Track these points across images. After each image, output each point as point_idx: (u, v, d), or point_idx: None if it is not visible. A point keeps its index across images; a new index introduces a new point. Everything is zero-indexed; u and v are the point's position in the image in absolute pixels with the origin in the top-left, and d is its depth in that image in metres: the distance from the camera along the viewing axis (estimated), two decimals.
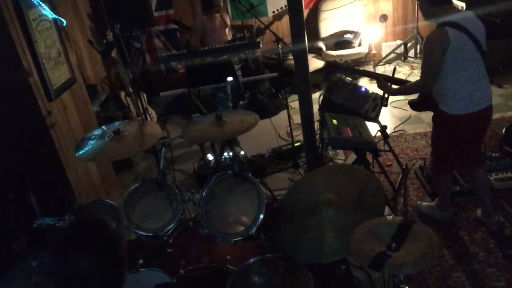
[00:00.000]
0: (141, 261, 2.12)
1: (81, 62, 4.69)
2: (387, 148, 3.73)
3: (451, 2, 2.56)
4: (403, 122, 4.66)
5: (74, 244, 1.21)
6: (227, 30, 5.00)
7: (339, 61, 3.52)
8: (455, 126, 2.66)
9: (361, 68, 6.05)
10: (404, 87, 3.00)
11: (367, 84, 5.32)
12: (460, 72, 2.51)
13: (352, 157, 3.52)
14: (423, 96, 2.87)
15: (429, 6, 2.53)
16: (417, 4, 2.68)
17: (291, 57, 5.27)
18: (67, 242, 1.22)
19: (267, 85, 5.70)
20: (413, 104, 3.13)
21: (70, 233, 1.26)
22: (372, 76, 3.31)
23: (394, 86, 3.04)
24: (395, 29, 6.42)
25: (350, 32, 6.04)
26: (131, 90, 3.90)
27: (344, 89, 3.37)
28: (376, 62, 6.15)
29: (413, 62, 6.32)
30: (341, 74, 3.45)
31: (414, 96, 3.04)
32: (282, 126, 4.80)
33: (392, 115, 4.84)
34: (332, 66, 3.48)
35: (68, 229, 1.34)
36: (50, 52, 3.14)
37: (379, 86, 3.03)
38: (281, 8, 5.06)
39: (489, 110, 2.66)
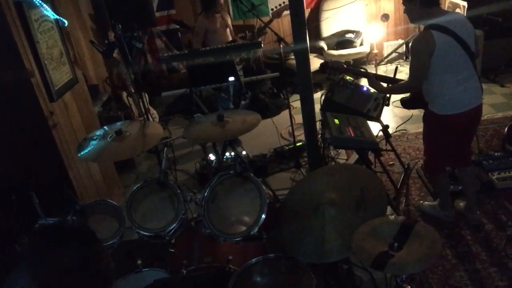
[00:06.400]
0: (139, 261, 2.12)
1: (83, 63, 4.70)
2: (389, 147, 3.73)
3: (440, 4, 2.59)
4: (405, 122, 4.65)
5: (57, 241, 1.19)
6: (228, 30, 5.00)
7: (329, 61, 3.54)
8: (444, 126, 2.70)
9: (363, 68, 6.05)
10: (394, 86, 3.05)
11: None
12: (447, 74, 2.55)
13: (354, 156, 3.53)
14: (415, 95, 2.91)
15: (420, 8, 2.54)
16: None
17: (292, 57, 5.27)
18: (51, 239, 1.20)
19: (268, 85, 5.70)
20: (405, 102, 3.15)
21: (56, 231, 1.24)
22: (363, 74, 3.32)
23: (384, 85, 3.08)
24: (397, 29, 6.41)
25: (352, 32, 6.03)
26: (133, 91, 3.91)
27: (346, 88, 3.37)
28: (377, 62, 6.15)
29: None
30: (333, 74, 3.46)
31: (407, 94, 3.10)
32: (283, 126, 4.79)
33: (394, 115, 4.84)
34: (323, 67, 3.49)
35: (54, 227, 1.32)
36: (52, 52, 3.15)
37: (370, 84, 3.06)
38: (279, 5, 5.05)
39: (478, 110, 2.69)
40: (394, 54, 6.45)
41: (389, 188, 3.43)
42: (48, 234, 1.22)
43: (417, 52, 2.57)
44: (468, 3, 4.95)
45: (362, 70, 3.65)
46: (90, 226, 2.17)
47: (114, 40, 3.67)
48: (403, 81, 2.97)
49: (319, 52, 6.02)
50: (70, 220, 2.16)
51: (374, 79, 3.03)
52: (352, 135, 2.81)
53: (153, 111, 4.94)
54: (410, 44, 3.75)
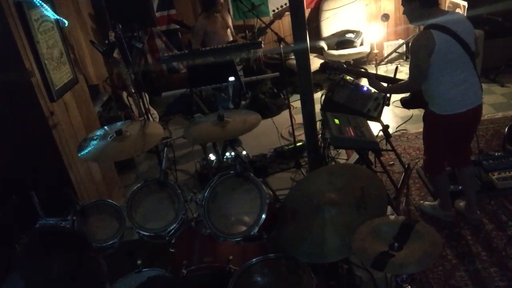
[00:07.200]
0: (139, 262, 2.12)
1: (83, 63, 4.70)
2: (389, 147, 3.72)
3: (439, 4, 2.60)
4: (405, 122, 4.65)
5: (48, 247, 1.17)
6: (228, 30, 5.00)
7: (330, 61, 3.54)
8: (444, 125, 2.70)
9: (363, 68, 6.06)
10: (395, 86, 3.06)
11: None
12: (447, 74, 2.55)
13: (354, 156, 3.52)
14: (415, 94, 2.91)
15: (419, 8, 2.54)
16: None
17: (292, 57, 5.28)
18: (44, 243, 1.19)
19: (269, 85, 5.71)
20: (404, 102, 3.16)
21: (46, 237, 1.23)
22: (363, 74, 3.33)
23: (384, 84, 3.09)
24: (397, 29, 6.42)
25: (352, 32, 6.04)
26: (133, 91, 3.90)
27: (346, 88, 3.37)
28: (378, 62, 6.15)
29: None
30: (333, 74, 3.46)
31: (406, 94, 3.13)
32: (284, 126, 4.80)
33: (394, 115, 4.84)
34: (323, 67, 3.50)
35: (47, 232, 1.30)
36: (52, 52, 3.15)
37: (370, 84, 3.07)
38: (281, 6, 5.05)
39: (478, 110, 2.69)
40: (394, 54, 6.45)
41: (389, 188, 3.43)
42: (38, 240, 1.21)
43: (417, 52, 2.56)
44: (468, 3, 4.95)
45: (362, 70, 3.65)
46: (87, 228, 2.18)
47: (114, 40, 3.67)
48: (403, 81, 2.97)
49: (319, 52, 6.02)
50: (71, 220, 2.16)
51: (374, 79, 3.04)
52: (353, 135, 2.81)
53: (153, 111, 4.95)
54: (410, 44, 3.80)
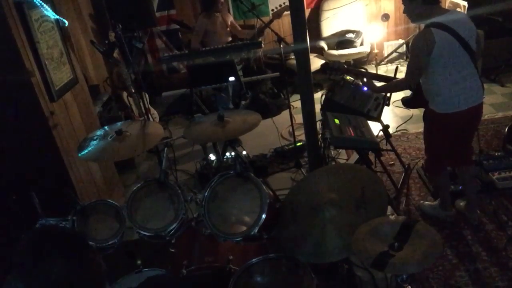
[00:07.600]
0: (139, 262, 2.12)
1: (83, 63, 4.70)
2: (389, 147, 3.72)
3: (440, 2, 2.59)
4: (406, 122, 4.65)
5: (45, 250, 1.16)
6: (228, 30, 5.00)
7: (330, 62, 3.57)
8: (444, 124, 2.69)
9: (363, 68, 6.05)
10: (389, 85, 3.06)
11: None
12: (447, 72, 2.54)
13: (354, 156, 3.53)
14: (416, 94, 2.91)
15: (421, 5, 2.54)
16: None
17: (293, 57, 5.28)
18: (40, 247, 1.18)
19: (269, 85, 5.70)
20: (405, 101, 3.16)
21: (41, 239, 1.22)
22: (358, 73, 3.33)
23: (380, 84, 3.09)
24: (397, 29, 6.42)
25: (352, 32, 6.04)
26: (133, 91, 3.91)
27: (346, 88, 3.37)
28: (378, 62, 6.15)
29: None
30: (334, 74, 3.47)
31: (408, 94, 3.11)
32: (284, 126, 4.79)
33: (394, 115, 4.84)
34: (324, 68, 3.51)
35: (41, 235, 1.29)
36: (52, 52, 3.15)
37: (364, 84, 3.06)
38: (280, 5, 5.05)
39: (479, 109, 2.68)
40: (394, 54, 6.45)
41: (389, 188, 3.43)
42: (38, 240, 1.20)
43: (417, 50, 2.56)
44: (468, 3, 4.95)
45: (362, 70, 3.66)
46: (87, 228, 2.18)
47: (115, 40, 3.67)
48: (398, 80, 2.96)
49: (319, 52, 6.02)
50: (71, 220, 2.16)
51: (369, 79, 3.04)
52: (353, 135, 2.81)
53: (153, 111, 4.95)
54: (410, 43, 3.81)
